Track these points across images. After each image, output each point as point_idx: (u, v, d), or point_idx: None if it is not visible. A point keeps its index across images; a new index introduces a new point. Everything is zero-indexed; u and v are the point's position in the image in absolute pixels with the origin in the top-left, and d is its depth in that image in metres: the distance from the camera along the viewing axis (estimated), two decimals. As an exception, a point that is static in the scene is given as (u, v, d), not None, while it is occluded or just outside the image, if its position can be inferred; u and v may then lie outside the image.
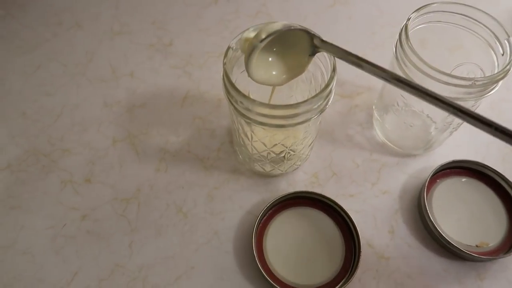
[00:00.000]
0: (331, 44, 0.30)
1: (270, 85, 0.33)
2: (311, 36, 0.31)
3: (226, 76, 0.32)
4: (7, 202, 0.39)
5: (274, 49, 0.32)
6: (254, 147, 0.37)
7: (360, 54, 0.54)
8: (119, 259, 0.37)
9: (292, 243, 0.37)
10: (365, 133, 0.45)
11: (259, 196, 0.40)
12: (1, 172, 0.41)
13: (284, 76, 0.32)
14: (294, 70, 0.33)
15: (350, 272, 0.36)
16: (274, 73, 0.32)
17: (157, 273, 0.36)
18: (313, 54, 0.32)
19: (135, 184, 0.41)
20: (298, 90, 0.40)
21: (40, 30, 0.53)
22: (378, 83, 0.45)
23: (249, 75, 0.32)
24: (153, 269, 0.36)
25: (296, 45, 0.31)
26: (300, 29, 0.30)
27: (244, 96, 0.31)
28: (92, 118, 0.45)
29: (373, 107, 0.45)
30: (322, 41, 0.31)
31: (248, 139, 0.36)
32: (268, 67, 0.32)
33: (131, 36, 0.53)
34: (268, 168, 0.39)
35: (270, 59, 0.32)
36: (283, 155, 0.37)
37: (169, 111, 0.46)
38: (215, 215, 0.39)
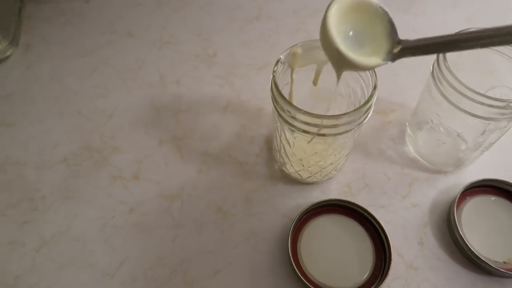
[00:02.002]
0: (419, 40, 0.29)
1: (329, 54, 0.31)
2: (394, 39, 0.30)
3: (275, 84, 0.35)
4: (63, 192, 0.43)
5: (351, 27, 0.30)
6: (294, 154, 0.39)
7: (392, 73, 0.56)
8: (162, 251, 0.39)
9: (325, 247, 0.39)
10: (397, 148, 0.47)
11: (294, 202, 0.43)
12: (58, 164, 0.45)
13: (350, 55, 0.29)
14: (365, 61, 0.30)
15: (380, 278, 0.37)
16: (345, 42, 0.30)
17: (197, 267, 0.39)
18: (392, 60, 0.31)
19: (179, 183, 0.44)
20: (336, 104, 0.43)
21: (96, 37, 0.57)
22: (412, 101, 0.47)
23: (324, 19, 0.29)
24: (193, 262, 0.39)
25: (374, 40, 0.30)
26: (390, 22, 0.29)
27: (290, 104, 0.33)
28: (140, 120, 0.49)
29: (406, 124, 0.47)
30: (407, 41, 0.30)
31: (290, 146, 0.39)
32: (345, 33, 0.30)
33: (178, 46, 0.56)
34: (305, 175, 0.42)
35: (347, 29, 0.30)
36: (321, 163, 0.40)
37: (212, 117, 0.49)
38: (253, 216, 0.42)
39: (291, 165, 0.41)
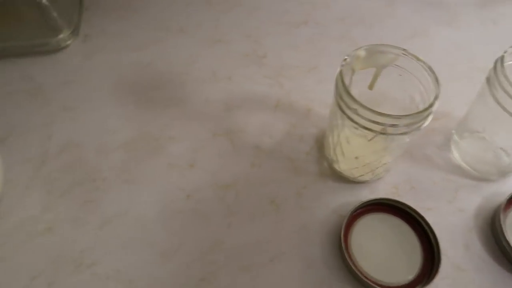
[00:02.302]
0: None
1: None
2: None
3: (342, 81, 0.36)
4: (123, 176, 0.45)
5: None
6: (352, 152, 0.41)
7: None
8: (218, 237, 0.41)
9: (374, 244, 0.41)
10: (442, 154, 0.48)
11: (344, 199, 0.44)
12: (118, 149, 0.47)
13: None
14: None
15: (429, 277, 0.39)
16: None
17: (252, 253, 0.40)
18: None
19: (233, 174, 0.45)
20: (390, 107, 0.44)
21: (150, 32, 0.59)
22: (453, 110, 0.49)
23: None
24: (248, 249, 0.40)
25: None
26: None
27: (356, 101, 0.35)
28: (195, 112, 0.51)
29: (453, 131, 0.49)
30: None
31: (348, 143, 0.40)
32: None
33: (229, 45, 0.59)
34: (357, 173, 0.43)
35: None
36: (375, 163, 0.41)
37: (263, 114, 0.51)
38: (304, 210, 0.43)
39: (345, 163, 0.43)
